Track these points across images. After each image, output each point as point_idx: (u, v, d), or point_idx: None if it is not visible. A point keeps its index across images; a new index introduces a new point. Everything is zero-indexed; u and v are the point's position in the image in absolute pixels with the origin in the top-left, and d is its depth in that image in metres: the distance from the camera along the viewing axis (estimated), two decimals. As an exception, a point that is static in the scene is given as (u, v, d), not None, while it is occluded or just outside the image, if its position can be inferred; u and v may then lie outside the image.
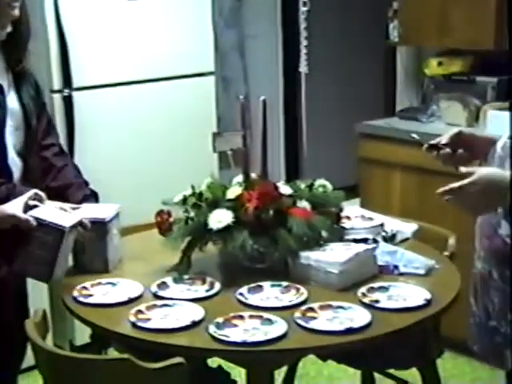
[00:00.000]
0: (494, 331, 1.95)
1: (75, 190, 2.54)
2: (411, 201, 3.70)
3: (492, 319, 1.96)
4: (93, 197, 2.57)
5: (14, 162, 2.44)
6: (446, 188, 1.84)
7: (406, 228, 2.56)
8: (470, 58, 3.83)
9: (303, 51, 4.91)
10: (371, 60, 5.46)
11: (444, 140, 2.07)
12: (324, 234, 2.30)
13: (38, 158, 2.53)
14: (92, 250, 2.34)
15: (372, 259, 2.26)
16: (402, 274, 2.24)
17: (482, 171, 1.81)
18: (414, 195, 3.69)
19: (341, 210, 2.41)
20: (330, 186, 2.45)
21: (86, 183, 2.61)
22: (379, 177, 3.86)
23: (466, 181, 1.80)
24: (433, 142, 2.08)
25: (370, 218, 2.57)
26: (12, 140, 2.42)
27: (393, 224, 2.56)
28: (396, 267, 2.26)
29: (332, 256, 2.20)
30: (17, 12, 2.35)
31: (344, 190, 2.47)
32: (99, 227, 2.32)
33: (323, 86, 5.48)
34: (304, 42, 4.93)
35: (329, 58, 5.52)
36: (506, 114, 3.28)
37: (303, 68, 4.94)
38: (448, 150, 2.06)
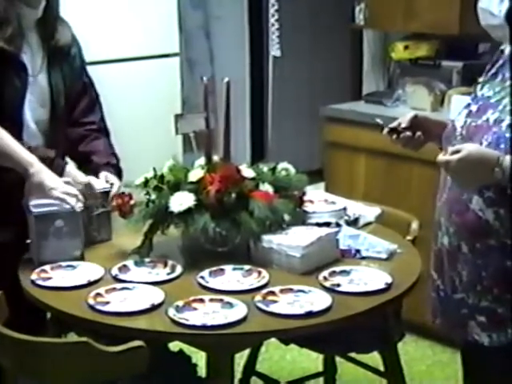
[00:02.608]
0: (461, 303, 1.97)
1: (101, 155, 2.60)
2: (376, 185, 3.71)
3: (458, 292, 1.98)
4: (115, 168, 2.60)
5: (34, 136, 2.48)
6: (441, 161, 1.88)
7: (369, 212, 2.56)
8: (436, 43, 3.83)
9: (275, 34, 4.88)
10: (338, 43, 5.44)
11: (404, 124, 2.15)
12: (286, 217, 2.29)
13: (74, 133, 2.61)
14: (98, 220, 2.41)
15: (334, 243, 2.25)
16: (363, 258, 2.25)
17: (469, 147, 1.85)
18: (379, 179, 3.70)
19: (303, 193, 2.40)
20: (292, 170, 2.44)
21: (116, 158, 2.66)
22: (344, 161, 3.85)
23: (455, 156, 1.83)
24: (392, 125, 2.16)
25: (333, 202, 2.56)
26: (34, 116, 2.47)
27: (356, 208, 2.56)
28: (358, 251, 2.26)
29: (294, 240, 2.19)
30: None
31: (310, 174, 2.46)
32: (104, 198, 2.41)
33: (290, 69, 5.45)
34: (276, 25, 4.90)
35: (296, 40, 5.48)
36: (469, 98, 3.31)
37: (275, 51, 4.91)
38: (408, 133, 2.15)
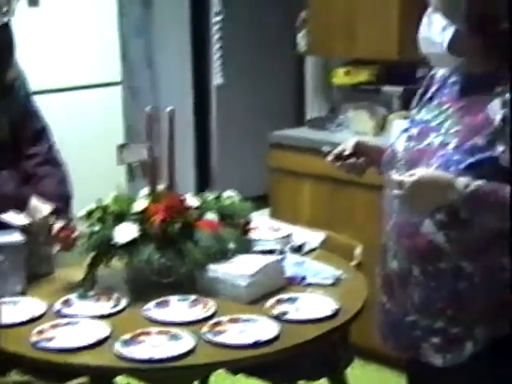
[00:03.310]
0: (413, 325, 1.98)
1: (47, 198, 2.51)
2: (320, 210, 3.73)
3: (410, 315, 1.98)
4: (62, 208, 2.53)
5: None
6: (396, 180, 1.90)
7: (314, 238, 2.57)
8: (376, 68, 3.89)
9: (217, 62, 4.90)
10: (282, 70, 5.48)
11: (347, 150, 2.19)
12: (232, 245, 2.28)
13: (18, 168, 2.55)
14: (40, 253, 2.35)
15: (280, 271, 2.25)
16: (309, 285, 2.25)
17: (423, 171, 1.88)
18: (324, 205, 3.72)
19: (248, 221, 2.40)
20: (237, 197, 2.44)
21: (67, 193, 2.61)
22: (289, 186, 3.87)
23: (411, 178, 1.86)
24: (336, 152, 2.21)
25: (278, 229, 2.57)
26: None
27: (301, 234, 2.57)
28: (304, 278, 2.26)
29: (240, 268, 2.18)
30: None
31: (255, 200, 2.47)
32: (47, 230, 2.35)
33: (234, 97, 5.46)
34: (218, 53, 4.92)
35: (239, 68, 5.50)
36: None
37: (217, 79, 4.93)
38: (352, 159, 2.18)
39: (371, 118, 3.72)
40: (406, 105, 3.69)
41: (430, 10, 1.97)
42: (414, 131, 2.01)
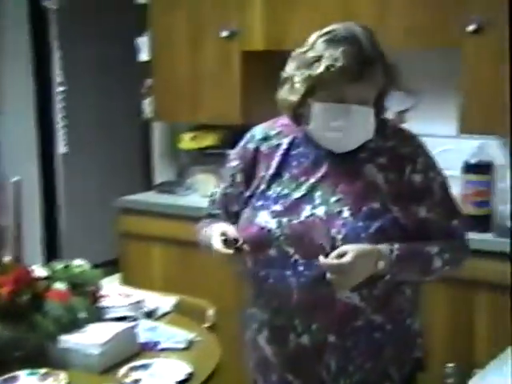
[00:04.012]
0: None
1: None
2: (172, 274, 3.75)
3: (327, 383, 1.99)
4: None
5: None
6: (328, 264, 1.85)
7: (166, 302, 2.58)
8: (222, 132, 3.99)
9: (61, 131, 4.88)
10: (129, 136, 5.51)
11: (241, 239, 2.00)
12: (82, 315, 2.26)
13: None
14: None
15: (133, 337, 2.25)
16: (163, 350, 2.25)
17: (351, 247, 1.86)
18: (176, 268, 3.75)
19: (98, 288, 2.39)
20: (87, 265, 2.42)
21: None
22: (140, 251, 3.87)
23: (347, 258, 1.83)
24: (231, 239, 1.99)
25: (130, 295, 2.56)
26: None
27: (153, 299, 2.57)
28: (157, 343, 2.27)
29: (91, 337, 2.16)
30: None
31: (107, 266, 2.46)
32: None
33: (81, 164, 5.43)
34: (62, 122, 4.89)
35: (86, 136, 5.50)
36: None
37: (61, 148, 4.90)
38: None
39: (218, 181, 3.79)
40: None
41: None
42: (277, 207, 1.98)
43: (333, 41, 1.91)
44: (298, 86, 1.95)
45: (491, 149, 3.28)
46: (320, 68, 1.89)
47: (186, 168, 4.07)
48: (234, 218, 2.11)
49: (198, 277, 3.64)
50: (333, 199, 1.95)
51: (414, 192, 1.96)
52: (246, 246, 1.95)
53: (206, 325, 2.50)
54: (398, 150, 1.99)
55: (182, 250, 3.67)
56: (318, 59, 1.90)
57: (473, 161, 3.17)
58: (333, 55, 1.88)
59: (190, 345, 2.29)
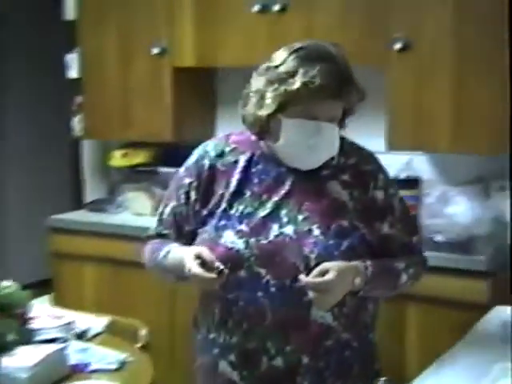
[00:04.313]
0: None
1: None
2: (105, 293, 3.70)
3: None
4: None
5: None
6: (312, 282, 1.82)
7: (98, 323, 2.55)
8: (154, 150, 3.97)
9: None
10: (59, 154, 5.44)
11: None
12: (11, 337, 2.21)
13: None
14: None
15: (63, 359, 2.21)
16: (94, 371, 2.22)
17: (330, 264, 1.83)
18: (108, 287, 3.70)
19: (27, 310, 2.34)
20: (15, 287, 2.37)
21: None
22: (72, 271, 3.81)
23: (329, 276, 1.81)
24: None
25: (61, 316, 2.51)
26: None
27: (84, 320, 2.53)
28: (88, 365, 2.23)
29: (21, 360, 2.12)
30: None
31: (38, 287, 2.41)
32: None
33: (11, 182, 5.35)
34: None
35: (16, 153, 5.42)
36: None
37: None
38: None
39: (150, 199, 3.78)
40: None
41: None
42: (243, 227, 1.92)
43: (307, 58, 1.87)
44: (269, 101, 1.89)
45: (418, 164, 3.36)
46: (296, 84, 1.85)
47: (117, 186, 4.03)
48: (185, 238, 2.04)
49: (131, 296, 3.60)
50: (300, 217, 1.92)
51: (377, 209, 1.97)
52: (226, 269, 1.85)
53: (139, 345, 2.48)
54: (361, 167, 1.99)
55: (114, 269, 3.64)
56: (293, 75, 1.86)
57: (401, 176, 3.24)
58: (309, 72, 1.84)
59: (122, 365, 2.26)
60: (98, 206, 3.96)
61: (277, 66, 1.90)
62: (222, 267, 1.84)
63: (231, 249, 1.91)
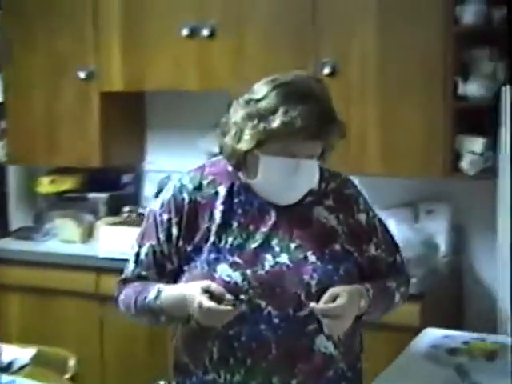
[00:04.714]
0: None
1: None
2: (31, 323, 3.61)
3: None
4: None
5: None
6: (327, 309, 1.79)
7: (25, 354, 2.48)
8: (81, 176, 3.91)
9: None
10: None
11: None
12: None
13: None
14: None
15: (-12, 393, 2.13)
16: (21, 405, 2.15)
17: (339, 289, 1.82)
18: (34, 317, 3.61)
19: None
20: None
21: None
22: (-3, 300, 3.71)
23: (342, 301, 1.79)
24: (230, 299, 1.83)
25: (-15, 348, 2.44)
26: None
27: (9, 351, 2.46)
28: (14, 398, 2.16)
29: None
30: None
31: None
32: None
33: None
34: None
35: None
36: (117, 228, 3.40)
37: None
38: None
39: (78, 226, 3.71)
40: (112, 211, 3.74)
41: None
42: (236, 259, 1.85)
43: (289, 96, 1.82)
44: (247, 137, 1.84)
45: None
46: (276, 122, 1.81)
47: (45, 213, 3.95)
48: (168, 277, 1.93)
49: (58, 325, 3.52)
50: (293, 245, 1.88)
51: (362, 231, 1.97)
52: (239, 301, 1.79)
53: (68, 375, 2.43)
54: (342, 191, 1.98)
55: (40, 298, 3.55)
56: (273, 112, 1.82)
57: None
58: (289, 112, 1.80)
59: (51, 398, 2.20)
60: (24, 233, 3.87)
61: (258, 100, 1.85)
62: (232, 299, 1.77)
63: (229, 282, 1.83)
